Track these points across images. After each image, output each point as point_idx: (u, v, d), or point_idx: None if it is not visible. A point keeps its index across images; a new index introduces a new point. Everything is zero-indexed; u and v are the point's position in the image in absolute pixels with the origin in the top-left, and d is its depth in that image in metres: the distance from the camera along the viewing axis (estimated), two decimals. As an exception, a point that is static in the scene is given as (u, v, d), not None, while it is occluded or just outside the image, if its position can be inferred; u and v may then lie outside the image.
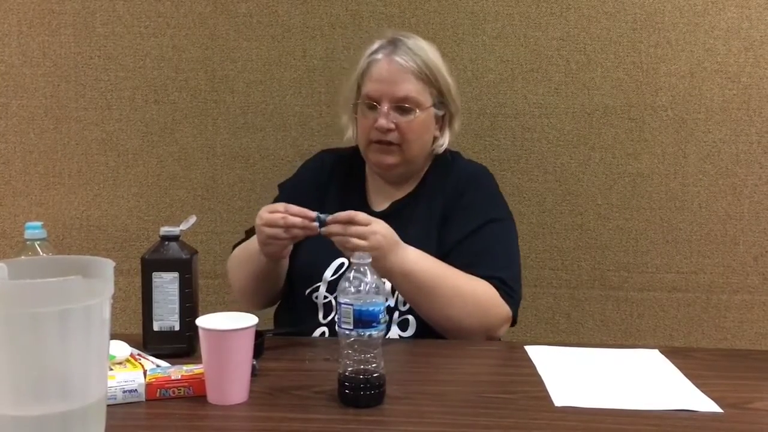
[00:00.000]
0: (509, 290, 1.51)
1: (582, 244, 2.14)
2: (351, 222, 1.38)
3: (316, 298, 1.57)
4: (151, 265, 1.34)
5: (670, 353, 1.40)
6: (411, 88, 1.55)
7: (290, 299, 1.64)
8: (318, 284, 1.57)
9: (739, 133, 2.09)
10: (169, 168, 2.18)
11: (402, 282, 1.45)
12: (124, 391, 1.13)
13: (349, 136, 1.69)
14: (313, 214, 1.40)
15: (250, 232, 1.67)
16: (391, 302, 1.53)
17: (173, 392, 1.15)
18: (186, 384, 1.16)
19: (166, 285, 1.33)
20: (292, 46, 2.12)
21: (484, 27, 2.10)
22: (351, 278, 1.14)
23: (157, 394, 1.15)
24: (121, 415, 1.09)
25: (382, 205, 1.66)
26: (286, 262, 1.58)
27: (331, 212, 1.43)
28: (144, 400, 1.14)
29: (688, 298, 2.14)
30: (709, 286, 2.13)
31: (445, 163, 1.68)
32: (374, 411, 1.12)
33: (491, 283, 1.49)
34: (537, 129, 2.12)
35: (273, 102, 2.15)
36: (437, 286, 1.45)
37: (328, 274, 1.56)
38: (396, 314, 1.53)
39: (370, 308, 1.12)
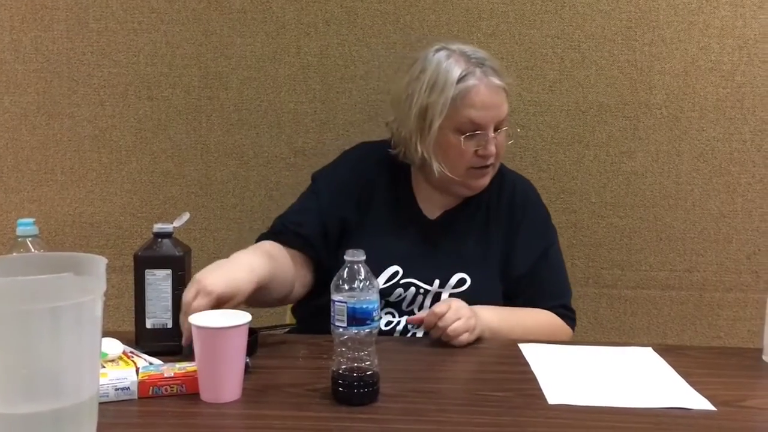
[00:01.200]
0: (570, 312, 1.63)
1: (576, 242, 2.15)
2: (436, 318, 1.39)
3: None
4: (144, 262, 1.33)
5: (664, 351, 1.40)
6: (506, 108, 1.55)
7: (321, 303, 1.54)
8: None
9: (733, 132, 2.09)
10: (162, 165, 2.17)
11: (487, 339, 1.48)
12: (117, 389, 1.13)
13: (438, 168, 1.55)
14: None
15: (283, 221, 1.60)
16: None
17: (166, 390, 1.15)
18: (179, 382, 1.15)
19: (159, 282, 1.32)
20: (287, 42, 2.12)
21: (478, 24, 2.09)
22: (344, 276, 1.14)
23: (149, 392, 1.14)
24: (114, 413, 1.08)
25: (433, 213, 1.63)
26: (276, 285, 1.46)
27: (380, 220, 1.54)
28: (136, 397, 1.14)
29: (682, 296, 2.15)
30: (702, 284, 2.14)
31: (495, 174, 1.64)
32: (368, 409, 1.12)
33: (556, 312, 1.60)
34: (531, 127, 2.12)
35: (267, 99, 2.14)
36: (513, 335, 1.49)
37: (381, 281, 1.53)
38: (403, 320, 1.55)
39: (364, 306, 1.12)
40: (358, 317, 1.11)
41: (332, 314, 1.14)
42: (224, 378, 1.14)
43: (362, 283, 1.13)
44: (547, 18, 2.08)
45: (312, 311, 1.59)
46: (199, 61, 2.13)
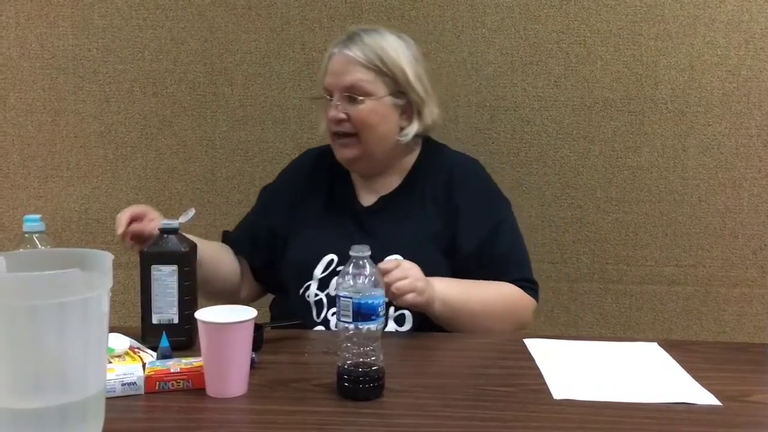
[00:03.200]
0: (531, 284, 1.61)
1: (581, 237, 2.14)
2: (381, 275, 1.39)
3: (308, 296, 1.56)
4: (150, 258, 1.33)
5: (669, 346, 1.40)
6: (359, 77, 1.56)
7: (285, 299, 1.64)
8: (309, 282, 1.56)
9: (739, 127, 2.08)
10: (167, 161, 2.18)
11: (442, 310, 1.46)
12: (123, 384, 1.13)
13: (322, 130, 1.68)
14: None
15: (227, 235, 1.76)
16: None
17: (172, 385, 1.15)
18: (185, 377, 1.16)
19: (165, 278, 1.33)
20: (291, 38, 2.12)
21: (483, 20, 2.09)
22: (350, 272, 1.14)
23: (156, 387, 1.15)
24: (120, 408, 1.09)
25: (369, 200, 1.66)
26: (210, 265, 1.58)
27: (316, 212, 1.61)
28: (143, 392, 1.14)
29: (687, 292, 2.14)
30: (708, 280, 2.13)
31: (432, 155, 1.68)
32: (373, 404, 1.12)
33: (516, 284, 1.57)
34: (536, 122, 2.12)
35: (272, 95, 2.14)
36: (470, 306, 1.50)
37: (318, 271, 1.56)
38: (392, 309, 1.52)
39: (369, 301, 1.12)
40: (363, 313, 1.12)
41: (338, 310, 1.14)
42: (230, 373, 1.14)
43: (367, 279, 1.13)
44: (552, 13, 2.08)
45: (280, 306, 1.68)
46: (204, 57, 2.14)
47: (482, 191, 1.66)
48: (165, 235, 1.34)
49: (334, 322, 1.51)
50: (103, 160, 2.19)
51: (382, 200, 1.64)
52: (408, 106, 1.61)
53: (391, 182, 1.66)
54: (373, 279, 1.14)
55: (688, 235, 2.12)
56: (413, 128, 1.62)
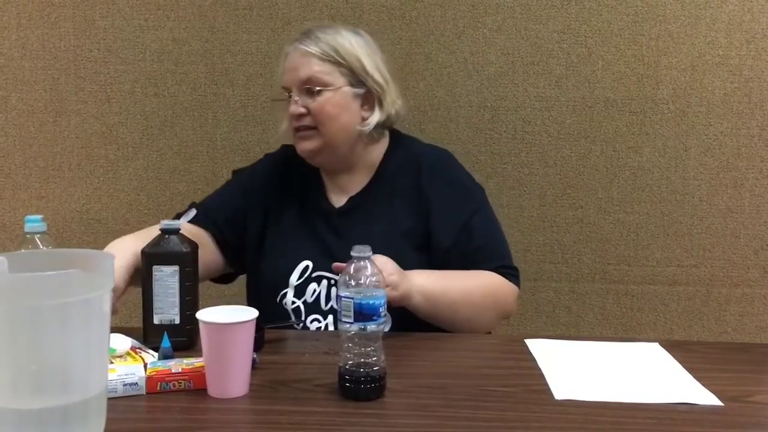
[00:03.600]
0: (511, 270, 1.58)
1: (582, 237, 2.14)
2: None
3: (285, 304, 1.55)
4: (152, 258, 1.33)
5: (671, 346, 1.40)
6: (315, 69, 1.54)
7: (263, 308, 1.58)
8: (285, 290, 1.55)
9: (741, 127, 2.08)
10: (169, 161, 2.18)
11: (421, 303, 1.45)
12: (125, 384, 1.13)
13: (283, 129, 1.65)
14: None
15: (196, 206, 1.63)
16: None
17: (174, 385, 1.15)
18: (186, 377, 1.16)
19: (167, 278, 1.33)
20: (292, 38, 2.11)
21: (484, 20, 2.09)
22: (351, 272, 1.14)
23: (157, 388, 1.15)
24: (122, 408, 1.09)
25: (340, 201, 1.63)
26: None
27: (289, 211, 1.58)
28: (144, 393, 1.14)
29: (689, 292, 2.14)
30: (709, 280, 2.13)
31: (400, 149, 1.65)
32: (374, 404, 1.12)
33: (496, 272, 1.55)
34: (538, 122, 2.12)
35: (273, 95, 2.14)
36: (450, 296, 1.48)
37: (294, 278, 1.54)
38: None
39: (371, 301, 1.12)
40: (364, 313, 1.12)
41: (339, 310, 1.14)
42: (231, 373, 1.14)
43: (369, 279, 1.13)
44: (553, 13, 2.08)
45: (255, 289, 1.65)
46: (206, 57, 2.14)
47: (452, 182, 1.62)
48: (166, 236, 1.34)
49: (314, 329, 1.52)
50: (104, 161, 2.19)
51: (352, 200, 1.61)
52: (368, 95, 1.58)
53: (360, 180, 1.63)
54: (374, 279, 1.14)
55: (689, 236, 2.12)
56: (375, 117, 1.59)
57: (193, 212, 1.45)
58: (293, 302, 1.54)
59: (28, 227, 1.34)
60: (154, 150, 2.18)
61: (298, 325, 1.53)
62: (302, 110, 1.54)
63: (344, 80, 1.56)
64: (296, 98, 1.55)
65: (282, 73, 1.61)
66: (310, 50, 1.55)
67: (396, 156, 1.64)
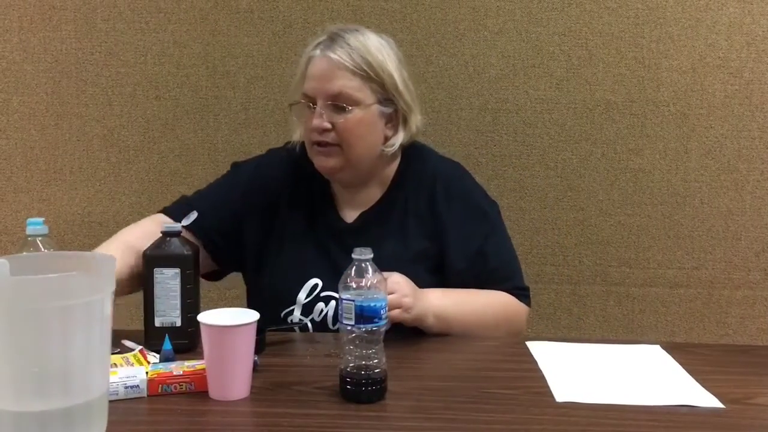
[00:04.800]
0: (523, 291, 1.58)
1: (583, 239, 2.14)
2: None
3: (291, 320, 1.50)
4: (153, 260, 1.33)
5: (672, 349, 1.39)
6: (346, 84, 1.44)
7: (267, 322, 1.45)
8: (292, 307, 1.50)
9: (741, 129, 2.08)
10: (170, 164, 2.18)
11: (435, 324, 1.44)
12: (126, 387, 1.13)
13: (297, 138, 1.57)
14: None
15: (187, 200, 1.59)
16: None
17: (175, 388, 1.15)
18: (188, 380, 1.16)
19: (168, 281, 1.33)
20: (294, 41, 2.12)
21: (485, 22, 2.09)
22: (352, 274, 1.14)
23: (158, 390, 1.15)
24: (123, 411, 1.09)
25: (351, 216, 1.57)
26: None
27: (296, 226, 1.52)
28: (146, 395, 1.14)
29: (690, 294, 2.14)
30: (710, 282, 2.13)
31: (415, 163, 1.58)
32: (376, 406, 1.12)
33: (508, 293, 1.56)
34: (538, 125, 2.12)
35: (274, 98, 2.14)
36: (463, 317, 1.48)
37: (302, 296, 1.49)
38: None
39: (372, 304, 1.12)
40: (366, 315, 1.12)
41: (340, 312, 1.14)
42: (233, 376, 1.14)
43: (370, 281, 1.13)
44: (553, 15, 2.08)
45: (257, 300, 1.58)
46: (207, 60, 2.14)
47: (467, 202, 1.57)
48: (167, 239, 1.35)
49: None
50: (105, 163, 2.19)
51: (364, 216, 1.55)
52: (394, 114, 1.51)
53: (373, 194, 1.56)
54: (375, 281, 1.14)
55: (690, 238, 2.12)
56: (399, 138, 1.52)
57: (194, 215, 1.44)
58: (300, 320, 1.49)
59: (30, 230, 1.35)
60: (156, 153, 2.18)
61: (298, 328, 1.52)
62: (327, 125, 1.45)
63: (374, 97, 1.47)
64: (321, 111, 1.45)
65: (302, 78, 1.50)
66: (342, 61, 1.43)
67: (410, 171, 1.57)
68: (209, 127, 2.17)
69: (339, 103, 1.45)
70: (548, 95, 2.10)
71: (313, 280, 1.50)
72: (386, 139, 1.52)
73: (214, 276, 1.66)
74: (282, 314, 1.50)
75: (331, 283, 1.46)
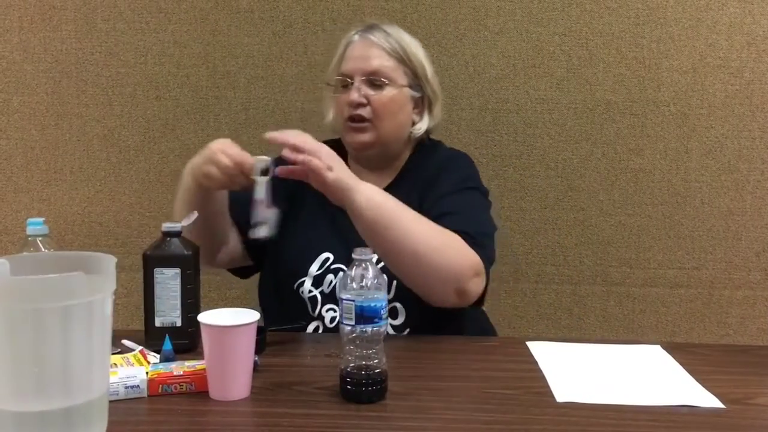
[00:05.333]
0: (477, 242, 1.43)
1: (584, 240, 2.14)
2: (298, 150, 1.38)
3: (302, 292, 1.56)
4: (153, 261, 1.33)
5: (672, 349, 1.40)
6: (383, 63, 1.57)
7: (278, 294, 1.63)
8: (303, 279, 1.55)
9: (742, 129, 2.08)
10: (170, 164, 2.18)
11: (362, 204, 1.37)
12: (126, 387, 1.13)
13: (329, 119, 1.67)
14: (251, 161, 1.39)
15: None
16: None
17: (175, 388, 1.15)
18: (188, 380, 1.16)
19: (168, 281, 1.33)
20: (294, 41, 2.12)
21: (485, 22, 2.09)
22: (353, 274, 1.14)
23: (159, 390, 1.15)
24: (124, 411, 1.09)
25: None
26: (219, 197, 1.54)
27: (313, 200, 1.51)
28: (146, 395, 1.14)
29: (691, 294, 2.14)
30: (711, 282, 2.13)
31: (426, 152, 1.67)
32: (376, 407, 1.12)
33: (459, 235, 1.43)
34: (539, 125, 2.12)
35: (274, 98, 2.14)
36: (401, 218, 1.39)
37: (314, 268, 1.55)
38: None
39: (372, 304, 1.12)
40: (366, 315, 1.12)
41: (340, 312, 1.14)
42: (233, 376, 1.14)
43: (370, 282, 1.13)
44: (554, 16, 2.08)
45: (273, 301, 1.62)
46: (207, 60, 2.14)
47: (460, 171, 1.62)
48: (168, 238, 1.35)
49: (329, 318, 1.52)
50: (106, 163, 2.19)
51: None
52: (421, 100, 1.63)
53: (384, 179, 1.63)
54: (375, 281, 1.14)
55: (691, 238, 2.12)
56: (424, 123, 1.64)
57: (194, 215, 1.44)
58: (310, 291, 1.55)
59: (30, 230, 1.35)
60: (156, 153, 2.18)
61: (306, 315, 1.54)
62: (363, 100, 1.55)
63: (406, 80, 1.60)
64: (358, 86, 1.56)
65: (341, 60, 1.62)
66: (379, 42, 1.58)
67: (421, 159, 1.66)
68: (209, 127, 2.17)
69: (375, 79, 1.56)
70: (549, 95, 2.10)
71: (325, 254, 1.56)
72: (413, 123, 1.63)
73: (242, 272, 1.73)
74: (294, 285, 1.56)
75: (341, 256, 1.53)
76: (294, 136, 1.41)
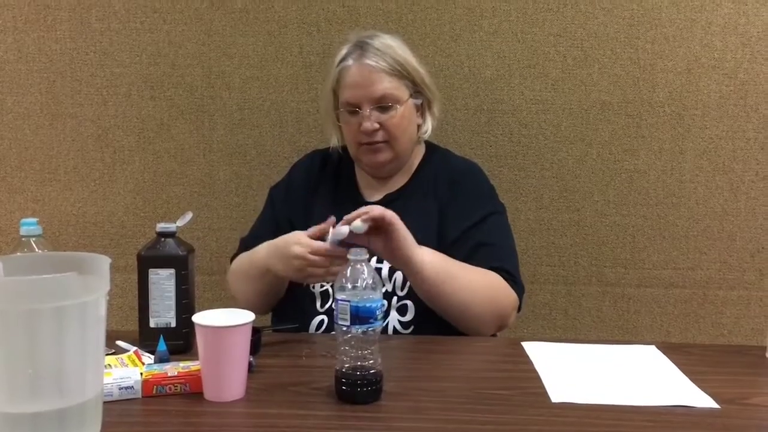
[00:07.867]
0: (515, 279, 1.57)
1: (579, 240, 2.14)
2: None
3: (313, 287, 1.59)
4: (148, 261, 1.33)
5: (667, 349, 1.40)
6: (387, 86, 1.59)
7: (288, 288, 1.64)
8: None
9: (736, 130, 2.09)
10: (165, 164, 2.18)
11: (428, 263, 1.45)
12: (121, 388, 1.13)
13: (335, 143, 1.74)
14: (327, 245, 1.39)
15: (246, 240, 1.70)
16: (389, 287, 1.55)
17: (170, 389, 1.15)
18: (182, 381, 1.15)
19: (163, 281, 1.32)
20: (289, 42, 2.12)
21: (480, 23, 2.09)
22: (348, 275, 1.14)
23: (153, 391, 1.15)
24: (118, 412, 1.08)
25: (374, 198, 1.68)
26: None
27: (323, 208, 1.50)
28: (140, 396, 1.14)
29: (685, 295, 2.14)
30: (706, 283, 2.14)
31: (438, 158, 1.72)
32: (371, 407, 1.12)
33: (497, 273, 1.54)
34: (534, 125, 2.12)
35: (269, 98, 2.14)
36: (451, 276, 1.47)
37: None
38: (394, 299, 1.55)
39: (367, 304, 1.12)
40: (361, 316, 1.12)
41: (335, 313, 1.14)
42: (228, 377, 1.14)
43: (365, 282, 1.13)
44: (549, 16, 2.08)
45: (284, 299, 1.64)
46: (202, 60, 2.14)
47: (477, 188, 1.68)
48: (162, 239, 1.34)
49: None
50: (100, 164, 2.19)
51: (387, 197, 1.67)
52: (422, 104, 1.68)
53: (399, 181, 1.70)
54: (371, 282, 1.14)
55: (685, 238, 2.13)
56: (428, 124, 1.70)
57: (189, 215, 1.44)
58: (322, 285, 1.58)
59: (24, 230, 1.34)
60: (151, 153, 2.17)
61: (314, 309, 1.57)
62: (376, 126, 1.59)
63: (408, 92, 1.64)
64: (368, 114, 1.59)
65: (338, 87, 1.63)
66: (379, 65, 1.59)
67: (433, 162, 1.71)
68: (204, 127, 2.16)
69: (384, 104, 1.60)
70: (544, 96, 2.11)
71: None
72: (419, 128, 1.69)
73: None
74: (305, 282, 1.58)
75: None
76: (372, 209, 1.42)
